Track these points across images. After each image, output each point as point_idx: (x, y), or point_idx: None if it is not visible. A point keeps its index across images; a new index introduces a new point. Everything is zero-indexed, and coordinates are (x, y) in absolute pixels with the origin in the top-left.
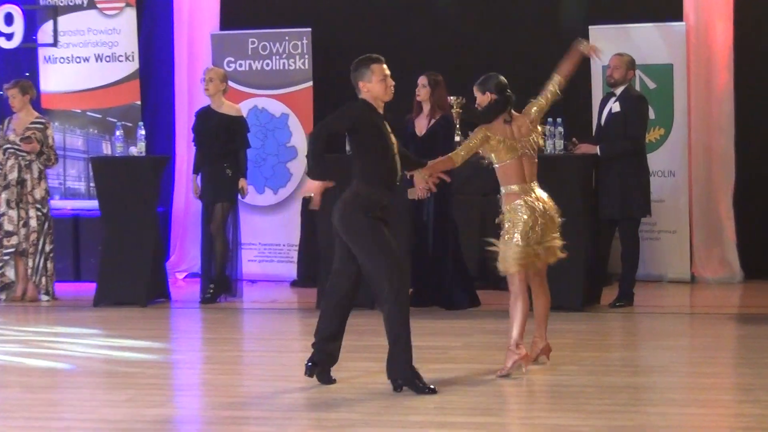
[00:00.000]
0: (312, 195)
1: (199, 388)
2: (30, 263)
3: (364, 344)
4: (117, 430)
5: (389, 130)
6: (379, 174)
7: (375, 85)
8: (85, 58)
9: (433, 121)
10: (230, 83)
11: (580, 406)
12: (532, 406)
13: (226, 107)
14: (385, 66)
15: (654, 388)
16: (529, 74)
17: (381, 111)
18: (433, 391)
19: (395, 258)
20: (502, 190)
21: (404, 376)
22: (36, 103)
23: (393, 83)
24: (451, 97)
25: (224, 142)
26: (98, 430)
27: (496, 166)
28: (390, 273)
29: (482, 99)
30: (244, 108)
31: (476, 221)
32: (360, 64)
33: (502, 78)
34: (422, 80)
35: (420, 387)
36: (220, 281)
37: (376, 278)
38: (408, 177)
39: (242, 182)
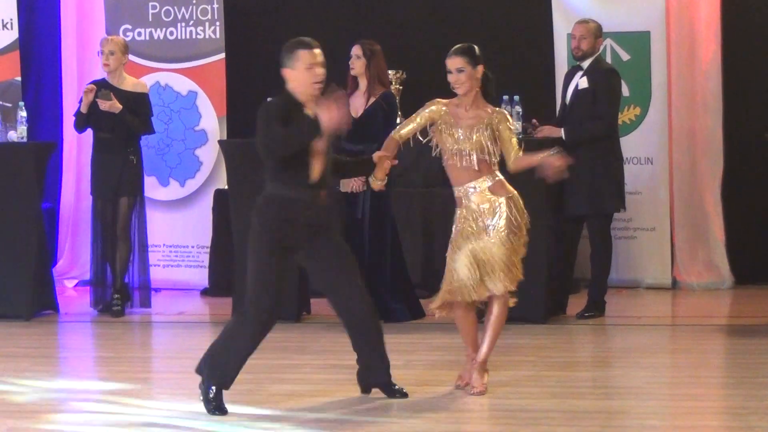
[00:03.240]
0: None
1: (93, 417)
2: None
3: (289, 363)
4: None
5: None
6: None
7: (300, 74)
8: None
9: (372, 99)
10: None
11: None
12: None
13: (129, 83)
14: (315, 52)
15: (629, 413)
16: (479, 42)
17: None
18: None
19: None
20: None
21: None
22: None
23: (322, 72)
24: (390, 71)
25: (127, 125)
26: None
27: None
28: None
29: (473, 73)
30: None
31: (418, 218)
32: (286, 48)
33: None
34: (356, 50)
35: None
36: (124, 289)
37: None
38: None
39: None
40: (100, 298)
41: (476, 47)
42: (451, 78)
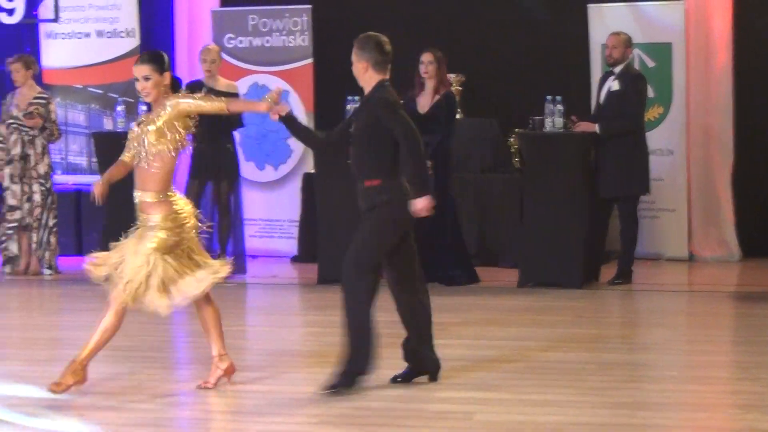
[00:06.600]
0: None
1: (200, 363)
2: (34, 237)
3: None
4: (119, 401)
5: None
6: None
7: None
8: (86, 33)
9: (437, 98)
10: (231, 60)
11: (578, 383)
12: (532, 382)
13: (223, 84)
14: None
15: (652, 365)
16: (527, 50)
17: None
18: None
19: None
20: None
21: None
22: (37, 79)
23: None
24: (450, 75)
25: (224, 120)
26: (94, 406)
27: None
28: None
29: (161, 80)
30: (244, 84)
31: (472, 198)
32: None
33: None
34: (428, 57)
35: None
36: (223, 257)
37: None
38: None
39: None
40: None
41: (164, 55)
42: (138, 86)
